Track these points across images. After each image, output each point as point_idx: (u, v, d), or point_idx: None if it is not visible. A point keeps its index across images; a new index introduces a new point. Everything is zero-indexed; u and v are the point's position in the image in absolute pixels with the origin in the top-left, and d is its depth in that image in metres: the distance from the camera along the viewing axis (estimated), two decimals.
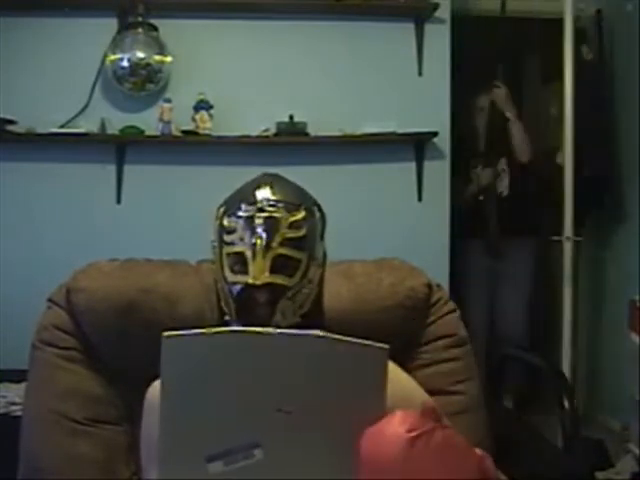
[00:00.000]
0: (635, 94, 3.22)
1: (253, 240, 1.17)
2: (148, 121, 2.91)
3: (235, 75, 3.01)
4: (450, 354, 1.58)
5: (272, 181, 1.24)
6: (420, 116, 3.04)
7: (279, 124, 2.94)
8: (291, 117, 2.94)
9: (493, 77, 3.36)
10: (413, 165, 3.09)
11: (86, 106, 2.93)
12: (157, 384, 1.10)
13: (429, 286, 1.60)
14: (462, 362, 1.58)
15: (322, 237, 1.27)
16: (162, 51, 2.93)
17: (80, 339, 1.51)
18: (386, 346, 0.99)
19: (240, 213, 1.19)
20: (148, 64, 2.91)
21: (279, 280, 1.16)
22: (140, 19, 2.91)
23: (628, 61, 3.29)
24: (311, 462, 0.99)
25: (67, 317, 1.51)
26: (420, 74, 3.09)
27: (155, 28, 2.93)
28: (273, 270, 1.16)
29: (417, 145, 3.08)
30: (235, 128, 2.93)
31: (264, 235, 1.17)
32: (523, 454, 1.58)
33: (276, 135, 2.95)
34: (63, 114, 2.89)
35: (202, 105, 2.90)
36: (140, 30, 2.91)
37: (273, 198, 1.20)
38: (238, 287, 1.17)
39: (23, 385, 1.53)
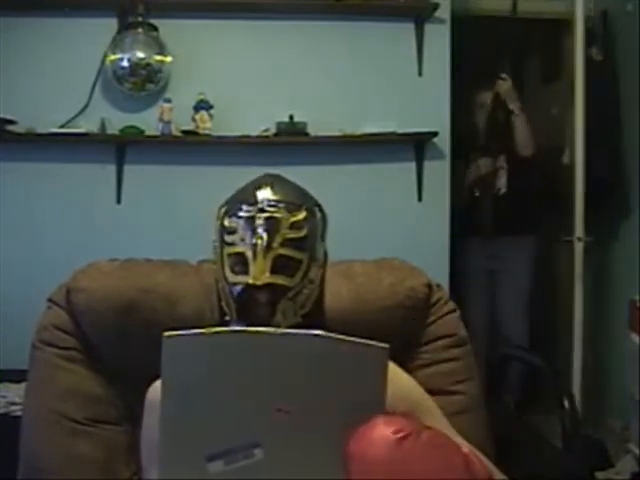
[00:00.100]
0: (636, 94, 3.22)
1: (254, 240, 1.17)
2: (148, 121, 2.91)
3: (235, 75, 3.01)
4: (450, 354, 1.58)
5: (273, 181, 1.24)
6: (420, 116, 3.04)
7: (279, 124, 2.94)
8: (291, 117, 2.94)
9: (493, 77, 3.36)
10: (413, 165, 3.09)
11: (86, 106, 2.93)
12: (157, 384, 1.10)
13: (429, 286, 1.60)
14: (462, 362, 1.59)
15: (323, 237, 1.27)
16: (162, 51, 2.93)
17: (80, 339, 1.51)
18: (386, 345, 0.99)
19: (241, 213, 1.19)
20: (148, 64, 2.91)
21: (280, 280, 1.16)
22: (140, 19, 2.90)
23: (631, 62, 3.28)
24: (311, 462, 0.99)
25: (67, 317, 1.52)
26: (420, 74, 3.09)
27: (155, 28, 2.93)
28: (274, 270, 1.16)
29: (417, 145, 3.08)
30: (235, 128, 2.93)
31: (265, 235, 1.17)
32: (523, 454, 1.59)
33: (276, 135, 2.95)
34: (63, 114, 2.89)
35: (202, 105, 2.90)
36: (140, 30, 2.91)
37: (274, 198, 1.20)
38: (239, 287, 1.17)
39: (23, 385, 1.53)
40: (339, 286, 1.53)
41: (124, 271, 1.56)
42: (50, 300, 1.55)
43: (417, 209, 3.09)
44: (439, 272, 2.58)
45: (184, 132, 2.90)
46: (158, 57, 2.92)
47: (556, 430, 1.74)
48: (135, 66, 2.90)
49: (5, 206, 2.86)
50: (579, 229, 3.00)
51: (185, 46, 2.97)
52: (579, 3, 3.00)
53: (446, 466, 1.00)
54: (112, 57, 2.90)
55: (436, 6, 3.02)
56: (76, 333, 1.51)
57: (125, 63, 2.89)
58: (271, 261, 1.16)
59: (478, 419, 1.54)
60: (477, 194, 3.40)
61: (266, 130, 2.95)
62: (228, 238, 1.20)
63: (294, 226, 1.19)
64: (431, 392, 1.37)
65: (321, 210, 1.27)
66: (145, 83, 2.93)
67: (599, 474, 2.73)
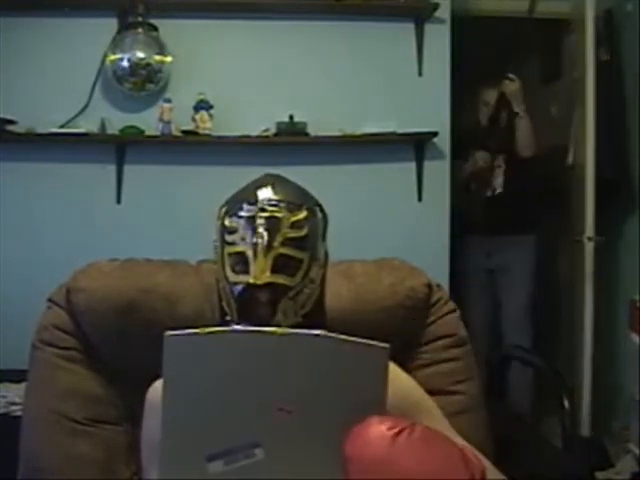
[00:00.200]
0: (636, 94, 3.22)
1: (254, 240, 1.17)
2: (148, 121, 2.91)
3: (235, 75, 3.01)
4: (450, 354, 1.58)
5: (274, 181, 1.24)
6: (420, 116, 3.03)
7: (279, 124, 2.94)
8: (291, 117, 2.94)
9: (494, 76, 3.35)
10: (413, 165, 3.09)
11: (86, 106, 2.92)
12: (158, 384, 1.10)
13: (429, 286, 1.60)
14: (462, 362, 1.59)
15: (324, 237, 1.27)
16: (162, 51, 2.92)
17: (80, 339, 1.51)
18: (387, 345, 0.99)
19: (241, 213, 1.19)
20: (148, 64, 2.91)
21: (280, 280, 1.16)
22: (140, 19, 2.90)
23: (632, 62, 3.28)
24: (312, 462, 0.99)
25: (67, 317, 1.52)
26: (420, 74, 3.09)
27: (155, 28, 2.93)
28: (274, 270, 1.16)
29: (417, 145, 3.07)
30: (235, 128, 2.93)
31: (265, 235, 1.17)
32: (523, 454, 1.59)
33: (276, 135, 2.95)
34: (63, 114, 2.89)
35: (202, 105, 2.90)
36: (140, 30, 2.91)
37: (275, 198, 1.20)
38: (239, 287, 1.17)
39: (23, 385, 1.53)
40: (339, 286, 1.53)
41: (124, 271, 1.56)
42: (50, 300, 1.55)
43: (417, 209, 3.09)
44: (439, 272, 2.58)
45: (184, 132, 2.90)
46: (158, 57, 2.92)
47: (556, 430, 1.74)
48: (135, 66, 2.89)
49: (5, 206, 2.86)
50: (589, 229, 3.01)
51: (185, 46, 2.97)
52: (589, 3, 2.99)
53: (443, 458, 1.00)
54: (112, 57, 2.90)
55: (436, 6, 3.01)
56: (76, 333, 1.51)
57: (125, 63, 2.89)
58: (272, 260, 1.16)
59: (478, 419, 1.54)
60: (473, 188, 3.40)
61: (266, 130, 2.95)
62: (229, 238, 1.20)
63: (295, 225, 1.19)
64: (431, 392, 1.37)
65: (322, 210, 1.27)
66: (145, 83, 2.92)
67: (599, 474, 2.74)
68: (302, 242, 1.19)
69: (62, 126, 2.87)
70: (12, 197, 2.88)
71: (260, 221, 1.17)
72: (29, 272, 2.82)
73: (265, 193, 1.21)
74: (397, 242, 2.88)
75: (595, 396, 3.01)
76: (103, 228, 2.93)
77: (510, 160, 3.35)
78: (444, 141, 3.09)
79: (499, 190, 3.38)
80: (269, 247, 1.16)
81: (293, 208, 1.20)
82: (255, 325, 1.08)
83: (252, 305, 1.16)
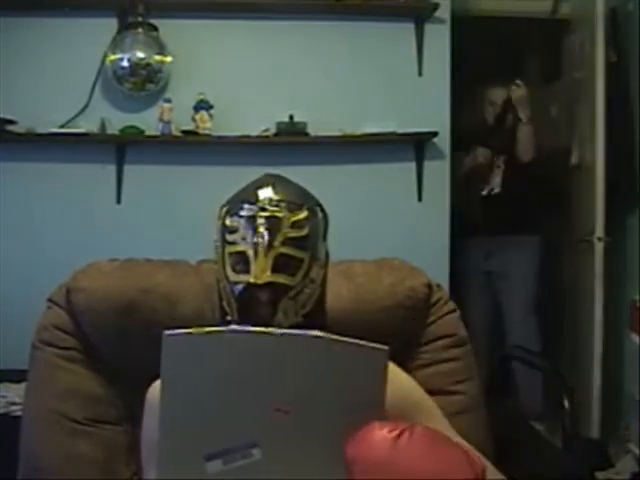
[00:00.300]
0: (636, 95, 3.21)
1: (255, 239, 1.17)
2: (148, 121, 2.91)
3: (235, 75, 3.01)
4: (450, 354, 1.58)
5: (274, 181, 1.24)
6: (420, 116, 3.03)
7: (279, 124, 2.94)
8: (291, 117, 2.94)
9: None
10: (413, 165, 3.09)
11: (86, 106, 2.93)
12: (157, 384, 1.10)
13: (429, 286, 1.60)
14: (462, 362, 1.59)
15: (324, 237, 1.27)
16: (162, 51, 2.93)
17: (80, 339, 1.51)
18: (386, 348, 0.99)
19: (242, 212, 1.19)
20: (148, 64, 2.91)
21: (281, 279, 1.16)
22: (140, 19, 2.90)
23: (634, 62, 3.27)
24: (309, 462, 0.99)
25: (67, 317, 1.52)
26: (420, 74, 3.09)
27: (155, 28, 2.93)
28: (275, 269, 1.16)
29: (417, 145, 3.07)
30: (235, 128, 2.93)
31: (266, 234, 1.17)
32: (523, 454, 1.58)
33: (276, 135, 2.95)
34: (63, 114, 2.89)
35: (202, 105, 2.90)
36: (140, 30, 2.91)
37: (275, 197, 1.20)
38: (240, 286, 1.17)
39: (23, 385, 1.53)
40: (339, 286, 1.52)
41: (124, 271, 1.56)
42: (50, 300, 1.55)
43: (417, 209, 3.09)
44: (439, 272, 2.58)
45: (184, 132, 2.90)
46: (158, 57, 2.92)
47: (556, 430, 1.74)
48: (135, 66, 2.89)
49: (5, 206, 2.86)
50: (600, 229, 3.01)
51: (185, 46, 2.97)
52: (599, 3, 2.99)
53: (447, 457, 1.00)
54: (112, 57, 2.90)
55: (436, 6, 3.02)
56: (76, 333, 1.51)
57: (125, 63, 2.89)
58: (272, 260, 1.16)
59: (478, 419, 1.54)
60: (471, 184, 3.40)
61: (266, 130, 2.95)
62: (229, 237, 1.20)
63: (295, 225, 1.19)
64: (431, 392, 1.37)
65: (322, 210, 1.27)
66: (145, 83, 2.92)
67: (599, 474, 2.73)
68: (303, 242, 1.19)
69: (62, 126, 2.87)
70: (12, 197, 2.88)
71: (261, 221, 1.17)
72: (29, 272, 2.82)
73: (266, 193, 1.20)
74: (397, 242, 2.88)
75: (604, 398, 3.01)
76: (103, 228, 2.93)
77: (509, 162, 3.37)
78: (444, 141, 3.09)
79: (497, 190, 3.38)
80: (270, 247, 1.16)
81: (294, 208, 1.20)
82: (256, 325, 1.08)
83: (253, 304, 1.16)
